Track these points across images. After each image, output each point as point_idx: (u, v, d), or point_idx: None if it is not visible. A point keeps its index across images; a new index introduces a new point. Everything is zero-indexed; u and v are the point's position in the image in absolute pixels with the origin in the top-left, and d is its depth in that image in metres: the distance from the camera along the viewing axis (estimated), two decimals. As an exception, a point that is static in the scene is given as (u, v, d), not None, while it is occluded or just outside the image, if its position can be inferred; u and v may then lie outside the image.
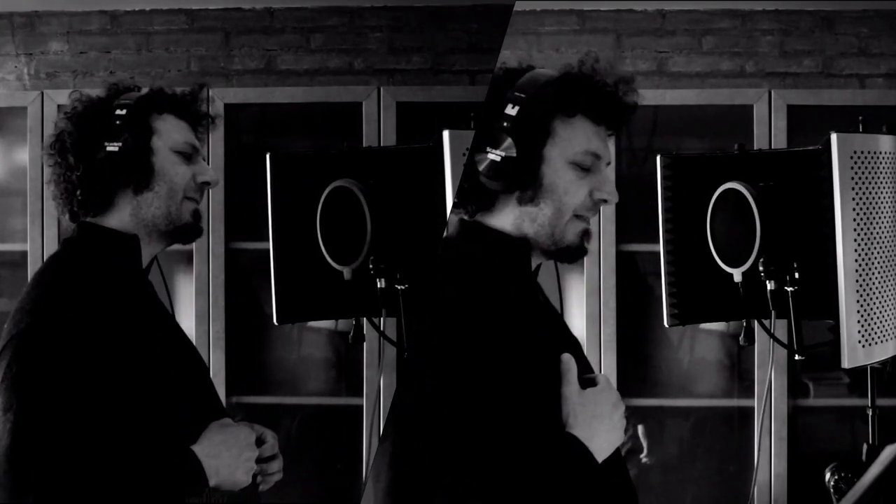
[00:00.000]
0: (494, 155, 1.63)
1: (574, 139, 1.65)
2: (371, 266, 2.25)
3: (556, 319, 1.79)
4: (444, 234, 1.77)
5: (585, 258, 1.76)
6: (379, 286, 2.26)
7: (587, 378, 1.66)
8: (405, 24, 3.79)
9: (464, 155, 2.39)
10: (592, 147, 1.66)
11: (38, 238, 3.52)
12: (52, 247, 3.50)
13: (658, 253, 2.40)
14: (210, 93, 3.51)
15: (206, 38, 3.81)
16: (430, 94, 3.59)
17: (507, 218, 1.67)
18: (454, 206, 1.71)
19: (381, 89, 3.51)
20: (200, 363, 1.93)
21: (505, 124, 1.62)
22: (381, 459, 1.53)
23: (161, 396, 1.75)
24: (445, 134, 2.36)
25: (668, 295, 2.38)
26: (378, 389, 3.23)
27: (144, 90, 1.93)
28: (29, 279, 3.46)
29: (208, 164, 1.99)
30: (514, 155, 1.62)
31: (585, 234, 1.69)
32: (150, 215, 1.86)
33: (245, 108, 3.61)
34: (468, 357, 1.54)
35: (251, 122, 3.65)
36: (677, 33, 3.74)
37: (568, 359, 1.62)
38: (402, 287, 2.27)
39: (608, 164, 1.70)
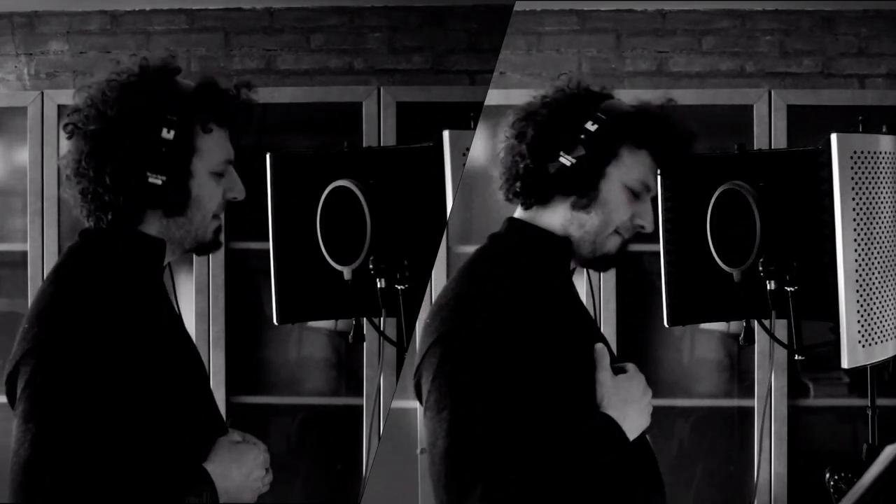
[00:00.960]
0: (566, 159, 1.80)
1: (634, 167, 1.84)
2: (371, 266, 2.25)
3: (586, 314, 1.93)
4: (495, 232, 1.90)
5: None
6: (379, 286, 2.26)
7: (617, 366, 1.82)
8: (405, 24, 3.79)
9: (463, 155, 2.39)
10: (647, 179, 1.86)
11: (38, 238, 3.52)
12: (52, 247, 3.50)
13: (658, 253, 2.40)
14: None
15: (206, 38, 3.81)
16: (430, 94, 3.59)
17: (557, 217, 1.84)
18: (516, 195, 1.85)
19: (381, 89, 3.51)
20: (203, 371, 1.91)
21: (582, 136, 1.80)
22: (438, 427, 1.67)
23: (172, 409, 1.73)
24: (445, 134, 2.36)
25: (668, 295, 2.39)
26: (378, 389, 3.23)
27: (188, 84, 1.78)
28: (29, 278, 3.47)
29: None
30: (584, 164, 1.79)
31: (623, 246, 1.88)
32: (178, 236, 1.79)
33: (245, 108, 3.61)
34: (516, 341, 1.69)
35: (251, 123, 3.65)
36: (677, 33, 3.74)
37: (601, 347, 1.80)
38: (402, 287, 2.27)
39: (653, 197, 1.90)
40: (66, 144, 1.79)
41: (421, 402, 1.75)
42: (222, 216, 1.86)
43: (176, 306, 1.88)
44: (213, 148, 1.79)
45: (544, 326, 1.73)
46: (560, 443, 1.68)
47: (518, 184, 1.83)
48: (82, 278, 1.72)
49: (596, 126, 1.80)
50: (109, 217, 1.73)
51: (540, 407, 1.68)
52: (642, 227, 1.86)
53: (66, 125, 1.77)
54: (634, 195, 1.84)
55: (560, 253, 1.84)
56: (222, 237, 1.88)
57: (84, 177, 1.73)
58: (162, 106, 1.72)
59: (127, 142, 1.71)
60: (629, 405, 1.76)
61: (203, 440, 1.77)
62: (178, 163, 1.73)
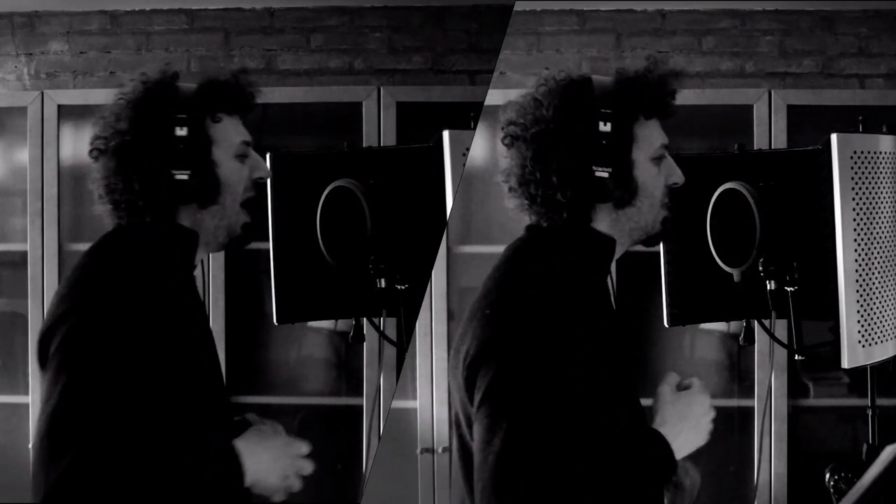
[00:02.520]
0: (602, 172, 1.74)
1: (651, 138, 1.80)
2: (371, 266, 2.25)
3: (611, 310, 1.89)
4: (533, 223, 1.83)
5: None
6: (379, 286, 2.26)
7: (685, 382, 1.83)
8: (405, 24, 3.79)
9: (463, 155, 2.39)
10: (664, 140, 1.82)
11: (38, 238, 3.52)
12: (52, 247, 3.50)
13: (658, 253, 2.40)
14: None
15: (206, 38, 3.81)
16: (430, 94, 3.59)
17: (602, 223, 1.79)
18: (558, 221, 1.77)
19: (381, 89, 3.51)
20: (217, 365, 1.95)
21: (604, 142, 1.73)
22: (496, 427, 1.60)
23: (189, 390, 1.77)
24: (445, 134, 2.36)
25: (668, 295, 2.39)
26: (378, 389, 3.23)
27: (188, 87, 1.88)
28: (29, 278, 3.47)
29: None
30: (619, 169, 1.74)
31: (666, 220, 1.85)
32: (212, 226, 1.89)
33: (245, 108, 3.61)
34: (569, 352, 1.64)
35: (251, 122, 3.64)
36: (677, 33, 3.74)
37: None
38: (402, 287, 2.27)
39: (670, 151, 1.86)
40: (94, 168, 1.88)
41: (471, 399, 1.69)
42: (254, 196, 1.94)
43: (203, 299, 1.96)
44: (228, 134, 1.90)
45: (586, 332, 1.69)
46: (608, 456, 1.65)
47: (565, 214, 1.76)
48: (119, 252, 1.82)
49: (609, 123, 1.74)
50: (147, 219, 1.83)
51: (588, 418, 1.65)
52: (675, 184, 1.84)
53: (90, 151, 1.88)
54: (659, 161, 1.81)
55: (605, 255, 1.80)
56: (250, 235, 1.98)
57: (115, 190, 1.84)
58: (169, 108, 1.83)
59: (146, 147, 1.81)
60: (684, 422, 1.76)
61: (212, 428, 1.80)
62: (198, 155, 1.84)
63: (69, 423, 1.63)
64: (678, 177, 1.84)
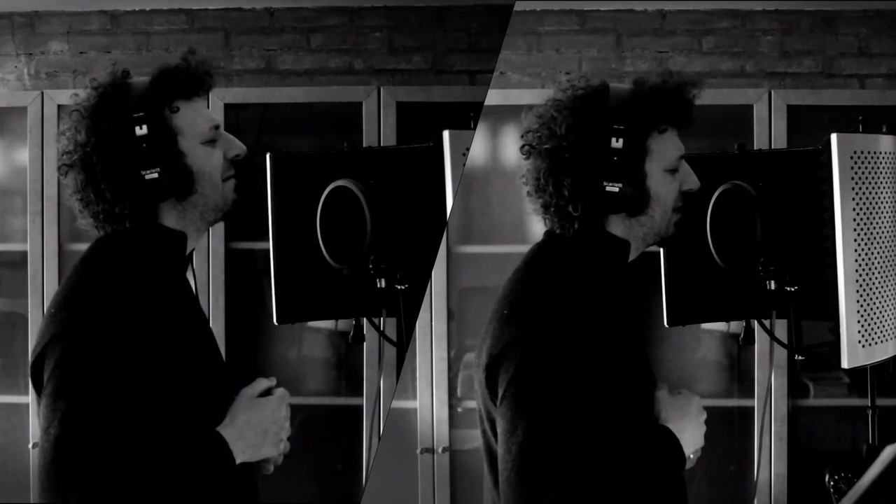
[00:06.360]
0: (612, 187, 1.78)
1: (667, 150, 1.84)
2: (371, 266, 2.25)
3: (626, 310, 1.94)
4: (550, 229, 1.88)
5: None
6: (379, 286, 2.26)
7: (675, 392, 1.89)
8: (405, 24, 3.79)
9: (464, 155, 2.39)
10: (680, 151, 1.86)
11: (38, 238, 3.52)
12: (52, 247, 3.50)
13: (658, 253, 2.40)
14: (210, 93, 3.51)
15: (206, 38, 3.81)
16: (430, 94, 3.59)
17: (616, 228, 1.84)
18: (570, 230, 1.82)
19: (381, 89, 3.51)
20: (219, 360, 1.95)
21: (615, 158, 1.77)
22: (518, 419, 1.65)
23: (190, 390, 1.77)
24: (445, 134, 2.36)
25: (668, 295, 2.39)
26: (378, 389, 3.23)
27: (141, 80, 1.85)
28: (29, 278, 3.47)
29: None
30: (630, 183, 1.78)
31: (678, 223, 1.90)
32: (197, 213, 1.85)
33: (245, 108, 3.61)
34: (590, 348, 1.72)
35: (251, 122, 3.65)
36: (677, 33, 3.74)
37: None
38: (402, 287, 2.27)
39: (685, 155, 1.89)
40: (66, 184, 1.87)
41: (493, 397, 1.74)
42: (235, 172, 1.89)
43: (194, 290, 1.94)
44: (192, 121, 1.84)
45: (607, 329, 1.77)
46: (621, 450, 1.70)
47: (577, 225, 1.81)
48: (108, 267, 1.79)
49: (621, 140, 1.77)
50: (127, 225, 1.80)
51: (605, 411, 1.70)
52: (691, 190, 1.88)
53: (59, 168, 1.86)
54: (674, 171, 1.85)
55: (620, 258, 1.85)
56: (239, 195, 1.92)
57: (90, 203, 1.81)
58: (123, 109, 1.80)
59: (108, 154, 1.78)
60: (687, 420, 1.82)
61: (215, 421, 1.80)
62: (164, 150, 1.79)
63: (76, 452, 1.61)
64: (693, 182, 1.88)
